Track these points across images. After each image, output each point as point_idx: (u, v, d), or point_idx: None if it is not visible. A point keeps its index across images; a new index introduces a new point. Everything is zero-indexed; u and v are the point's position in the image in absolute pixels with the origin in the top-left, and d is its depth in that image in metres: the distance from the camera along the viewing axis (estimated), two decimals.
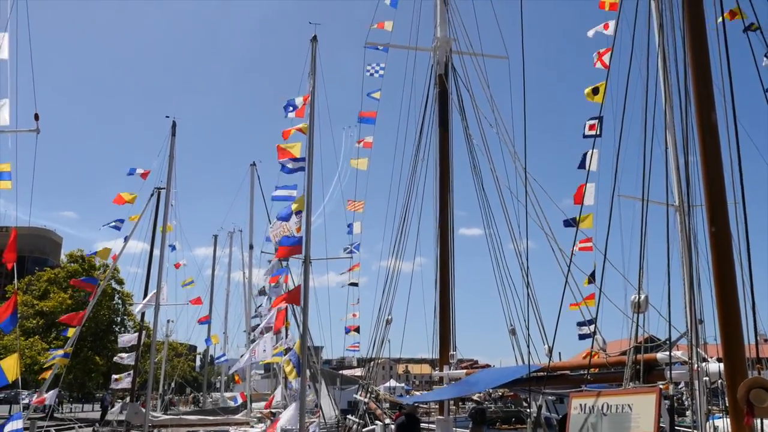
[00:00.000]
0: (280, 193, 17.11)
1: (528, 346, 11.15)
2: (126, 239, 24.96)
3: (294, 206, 15.81)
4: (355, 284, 25.33)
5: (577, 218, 11.49)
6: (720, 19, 7.61)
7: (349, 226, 22.90)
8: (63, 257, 68.84)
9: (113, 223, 24.86)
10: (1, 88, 13.71)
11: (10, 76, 13.45)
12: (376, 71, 19.57)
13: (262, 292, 33.52)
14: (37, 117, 13.70)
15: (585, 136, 13.54)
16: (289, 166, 16.14)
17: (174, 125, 24.94)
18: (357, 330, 27.19)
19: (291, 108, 16.90)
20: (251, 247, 39.93)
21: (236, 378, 46.25)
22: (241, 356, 18.17)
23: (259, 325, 22.99)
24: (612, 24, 14.33)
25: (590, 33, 14.81)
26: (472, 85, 17.09)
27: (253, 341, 24.11)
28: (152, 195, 27.36)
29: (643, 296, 8.07)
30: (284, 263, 20.53)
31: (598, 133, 12.51)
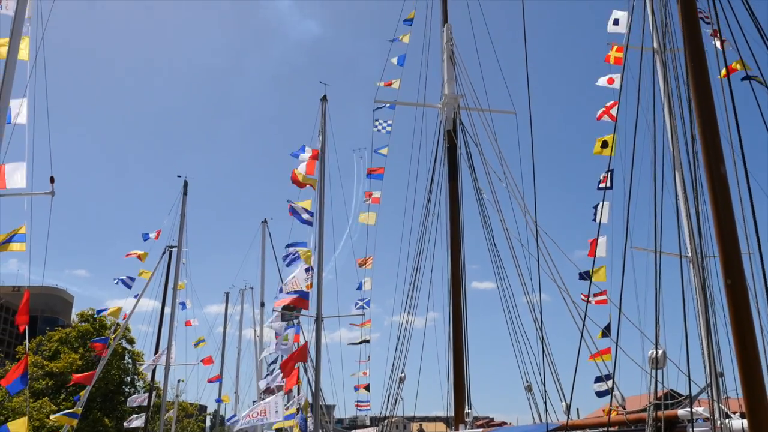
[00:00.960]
0: (290, 251, 17.14)
1: (545, 403, 10.94)
2: (137, 298, 25.01)
3: (302, 257, 15.79)
4: (366, 341, 25.05)
5: (591, 271, 11.41)
6: (724, 73, 7.72)
7: (360, 283, 22.81)
8: (74, 316, 68.70)
9: (124, 278, 24.94)
10: (18, 151, 14.02)
11: (28, 141, 13.77)
12: (384, 128, 19.81)
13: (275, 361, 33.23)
14: (52, 180, 13.91)
15: (599, 189, 13.57)
16: (302, 216, 16.20)
17: (186, 184, 25.30)
18: (367, 388, 26.74)
19: (299, 155, 17.07)
20: (262, 304, 39.76)
21: None
22: (247, 413, 17.78)
23: (268, 386, 22.66)
24: (617, 78, 14.55)
25: (601, 82, 15.00)
26: (480, 139, 17.30)
27: (261, 399, 23.74)
28: (164, 253, 27.52)
29: (660, 351, 7.94)
30: (294, 321, 20.41)
31: (609, 185, 12.56)
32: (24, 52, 13.78)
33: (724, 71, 7.83)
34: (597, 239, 12.81)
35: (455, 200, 17.54)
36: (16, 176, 14.10)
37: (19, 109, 13.69)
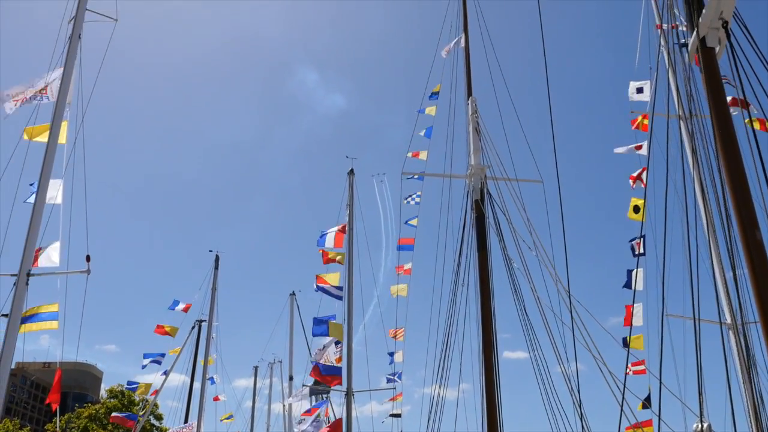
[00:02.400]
0: (319, 324, 17.07)
1: None
2: (166, 374, 24.93)
3: (330, 331, 15.69)
4: (398, 415, 24.52)
5: (628, 340, 11.15)
6: (752, 130, 7.71)
7: (391, 354, 22.54)
8: (103, 392, 68.49)
9: (154, 358, 24.93)
10: (53, 230, 14.40)
11: (63, 221, 14.18)
12: (413, 199, 20.02)
13: None
14: (88, 259, 14.22)
15: (635, 255, 13.43)
16: (329, 291, 16.20)
17: (217, 259, 25.56)
18: None
19: (323, 240, 17.25)
20: (291, 378, 39.34)
21: None
22: None
23: None
24: (644, 144, 14.64)
25: (619, 150, 15.08)
26: (508, 208, 17.29)
27: None
28: (193, 327, 27.57)
29: (706, 425, 7.64)
30: (324, 396, 20.10)
31: (642, 251, 12.41)
32: (63, 136, 14.39)
33: (749, 122, 7.83)
34: (633, 307, 12.56)
35: (485, 269, 17.40)
36: (51, 255, 14.46)
37: (56, 190, 14.17)
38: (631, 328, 11.18)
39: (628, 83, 16.82)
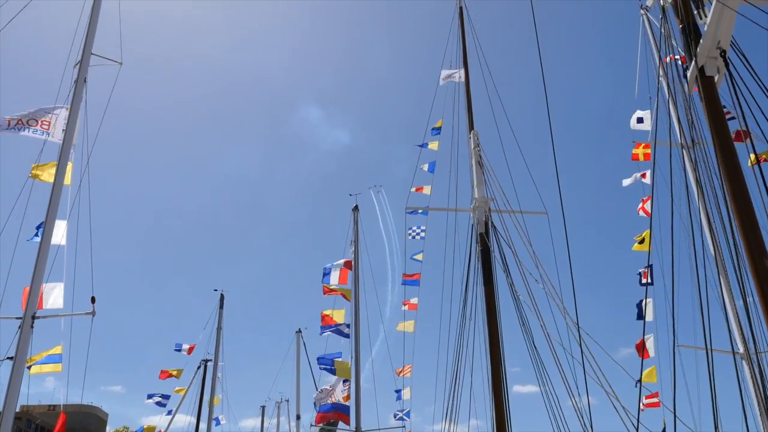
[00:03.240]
0: (325, 363, 16.88)
1: None
2: (172, 415, 24.63)
3: (337, 370, 15.51)
4: None
5: (640, 378, 10.97)
6: (753, 160, 7.70)
7: (398, 392, 22.23)
8: None
9: (158, 399, 24.67)
10: (57, 271, 14.37)
11: (67, 262, 14.17)
12: (418, 233, 20.01)
13: None
14: (93, 300, 14.14)
15: (641, 285, 13.31)
16: (336, 328, 16.07)
17: (222, 298, 25.46)
18: None
19: (327, 275, 17.16)
20: (298, 417, 38.78)
21: None
22: None
23: None
24: (648, 173, 14.64)
25: (626, 182, 15.10)
26: (513, 241, 17.25)
27: None
28: (198, 367, 27.33)
29: None
30: None
31: (650, 281, 12.30)
32: (68, 178, 14.48)
33: (753, 157, 7.82)
34: (644, 339, 12.40)
35: (491, 303, 17.26)
36: (55, 297, 14.41)
37: (61, 231, 14.19)
38: (642, 363, 11.03)
39: (629, 112, 16.95)
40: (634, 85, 16.91)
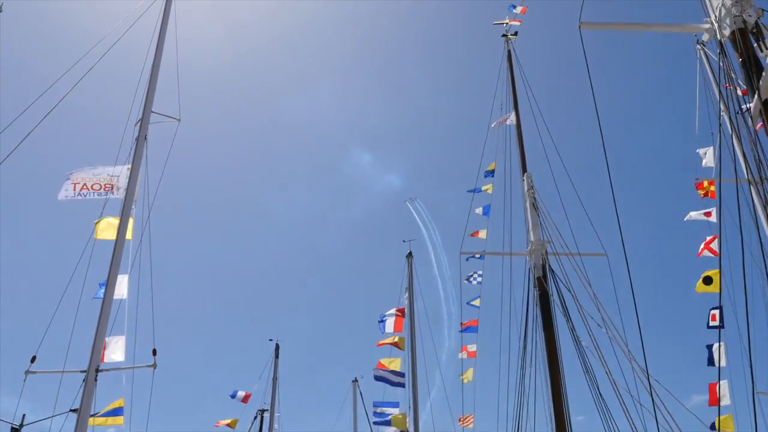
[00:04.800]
0: (380, 411, 16.67)
1: None
2: None
3: (393, 422, 15.28)
4: None
5: (717, 425, 10.42)
6: None
7: None
8: None
9: None
10: (119, 324, 14.72)
11: (129, 315, 14.51)
12: (474, 279, 19.81)
13: None
14: (155, 352, 14.42)
15: (709, 327, 12.76)
16: (390, 378, 15.88)
17: (277, 347, 25.49)
18: None
19: (383, 323, 17.08)
20: None
21: None
22: None
23: None
24: (714, 211, 14.18)
25: (692, 215, 14.66)
26: (572, 284, 16.85)
27: None
28: (255, 418, 27.29)
29: None
30: None
31: (720, 324, 11.79)
32: (129, 233, 14.95)
33: None
34: (718, 385, 11.81)
35: (552, 349, 16.80)
36: (117, 350, 14.74)
37: (122, 286, 14.59)
38: (719, 409, 10.47)
39: (688, 149, 16.61)
40: (692, 120, 16.59)
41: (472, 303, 20.34)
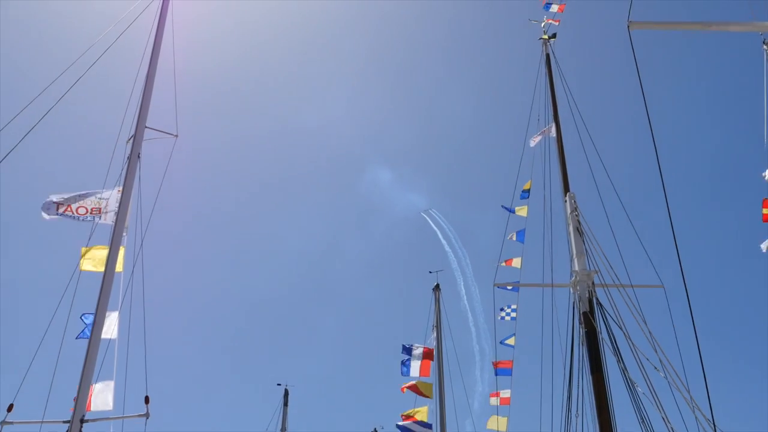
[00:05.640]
0: None
1: None
2: None
3: None
4: None
5: None
6: None
7: None
8: None
9: None
10: (107, 368, 14.19)
11: (118, 358, 13.99)
12: (508, 314, 19.17)
13: None
14: (147, 400, 13.93)
15: None
16: (416, 430, 15.34)
17: (286, 393, 25.09)
18: None
19: (407, 367, 16.54)
20: None
21: None
22: None
23: None
24: None
25: (765, 246, 14.11)
26: (624, 321, 16.11)
27: None
28: None
29: None
30: None
31: None
32: (120, 264, 14.44)
33: None
34: None
35: (602, 395, 16.00)
36: (104, 397, 14.21)
37: (111, 325, 14.07)
38: None
39: (757, 162, 16.03)
40: (759, 131, 15.92)
41: (506, 342, 19.65)
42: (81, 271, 14.64)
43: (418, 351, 16.76)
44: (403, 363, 16.59)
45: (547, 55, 20.71)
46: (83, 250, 14.95)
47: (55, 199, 14.86)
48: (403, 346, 17.40)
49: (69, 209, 14.77)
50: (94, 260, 14.73)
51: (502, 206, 20.18)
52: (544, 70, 20.49)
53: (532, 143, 19.99)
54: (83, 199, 14.95)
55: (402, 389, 15.95)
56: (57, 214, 14.76)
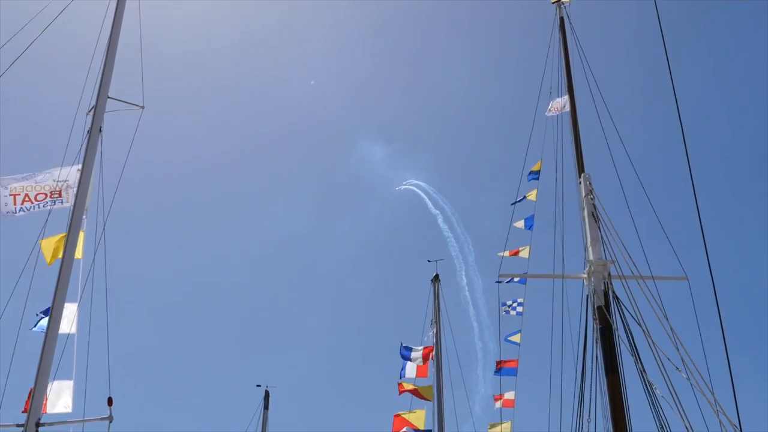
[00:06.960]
0: None
1: None
2: None
3: None
4: None
5: None
6: None
7: None
8: None
9: None
10: (65, 367, 14.35)
11: (77, 354, 14.16)
12: (513, 308, 19.40)
13: None
14: (110, 402, 14.09)
15: None
16: None
17: (267, 396, 25.33)
18: None
19: (403, 370, 16.84)
20: None
21: None
22: None
23: None
24: None
25: None
26: (643, 316, 16.37)
27: None
28: None
29: None
30: None
31: None
32: (79, 250, 14.55)
33: None
34: None
35: (618, 399, 16.31)
36: (63, 398, 14.39)
37: (70, 318, 14.21)
38: None
39: None
40: None
41: (510, 339, 19.92)
42: (38, 261, 14.74)
43: (417, 353, 17.02)
44: (403, 358, 16.83)
45: (561, 19, 20.78)
46: (43, 243, 15.03)
47: (8, 191, 14.93)
48: (402, 345, 17.63)
49: (27, 198, 14.90)
50: (51, 250, 14.85)
51: (511, 204, 20.27)
52: (557, 36, 20.58)
53: (548, 114, 20.10)
54: (40, 184, 15.05)
55: (400, 390, 16.15)
56: (17, 210, 14.88)
